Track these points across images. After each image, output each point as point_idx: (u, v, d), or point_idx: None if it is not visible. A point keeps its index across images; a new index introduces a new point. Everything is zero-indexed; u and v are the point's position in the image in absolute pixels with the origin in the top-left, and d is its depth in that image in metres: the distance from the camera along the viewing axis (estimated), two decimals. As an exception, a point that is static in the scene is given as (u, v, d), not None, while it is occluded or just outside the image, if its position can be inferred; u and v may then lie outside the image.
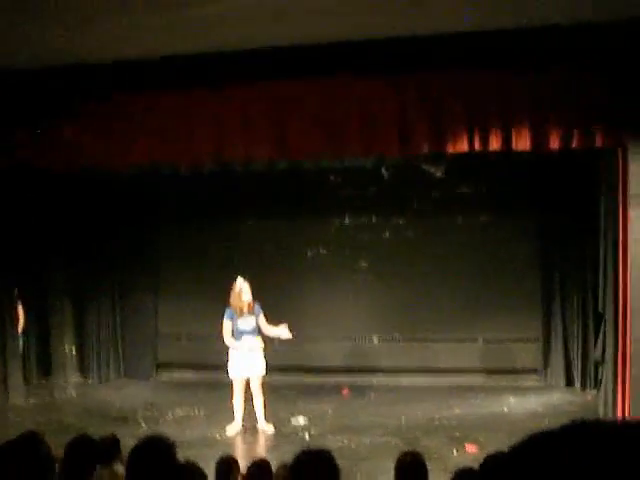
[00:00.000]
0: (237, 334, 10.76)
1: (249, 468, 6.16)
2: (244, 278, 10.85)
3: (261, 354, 10.82)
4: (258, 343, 10.81)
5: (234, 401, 10.85)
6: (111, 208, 14.12)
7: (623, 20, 8.68)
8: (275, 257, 13.90)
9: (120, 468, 6.28)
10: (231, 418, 10.88)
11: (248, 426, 10.94)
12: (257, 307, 10.85)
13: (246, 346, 10.71)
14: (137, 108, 10.67)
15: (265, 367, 10.86)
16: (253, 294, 10.87)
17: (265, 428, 10.88)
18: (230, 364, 10.83)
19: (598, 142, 9.41)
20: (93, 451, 5.56)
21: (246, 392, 10.82)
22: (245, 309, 10.73)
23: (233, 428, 10.87)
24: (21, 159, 11.07)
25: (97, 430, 8.92)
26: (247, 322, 10.75)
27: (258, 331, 10.84)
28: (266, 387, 11.01)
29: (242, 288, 10.77)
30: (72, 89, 10.70)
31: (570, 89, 9.32)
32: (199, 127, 10.46)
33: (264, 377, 10.92)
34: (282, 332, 10.87)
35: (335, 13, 8.40)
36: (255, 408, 10.90)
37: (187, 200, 14.07)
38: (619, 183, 9.54)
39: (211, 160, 11.12)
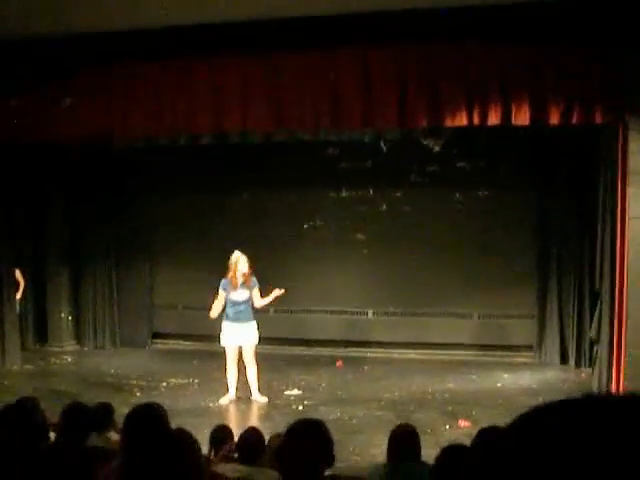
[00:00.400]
0: (229, 304, 10.79)
1: (241, 436, 6.18)
2: (242, 252, 10.86)
3: (254, 324, 10.86)
4: (251, 313, 10.86)
5: (227, 371, 10.88)
6: (110, 179, 14.14)
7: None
8: (272, 229, 13.89)
9: (114, 435, 6.31)
10: (225, 388, 10.90)
11: (242, 397, 10.96)
12: (254, 280, 10.86)
13: (231, 316, 10.78)
14: (136, 79, 10.64)
15: (258, 337, 10.89)
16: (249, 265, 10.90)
17: (259, 399, 10.89)
18: (222, 333, 10.86)
19: (598, 119, 9.38)
20: (87, 418, 5.58)
21: (240, 363, 10.85)
22: (239, 280, 10.74)
23: (227, 398, 10.89)
24: (20, 130, 11.02)
25: (92, 397, 8.97)
26: (240, 294, 10.77)
27: (252, 303, 10.87)
28: (260, 358, 11.03)
29: (238, 261, 10.79)
30: (71, 60, 10.66)
31: (571, 64, 9.29)
32: (197, 99, 10.43)
33: (257, 347, 10.95)
34: (274, 294, 10.91)
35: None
36: (248, 379, 10.92)
37: (184, 172, 14.03)
38: (618, 160, 9.52)
39: (209, 132, 11.11)
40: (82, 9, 9.22)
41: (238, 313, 10.77)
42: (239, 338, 10.79)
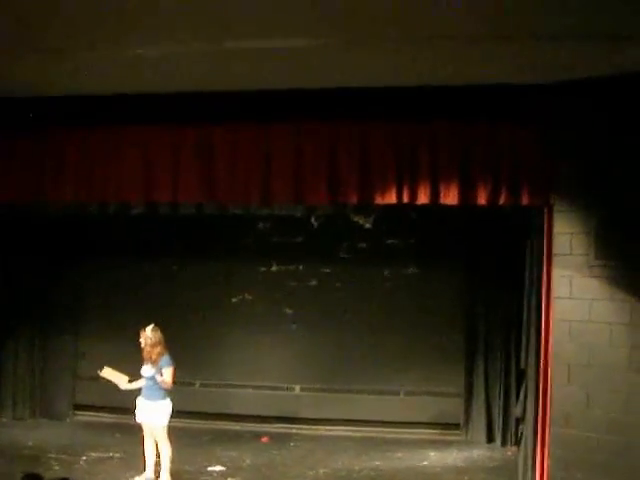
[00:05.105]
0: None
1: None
2: (155, 326, 10.49)
3: (161, 404, 10.35)
4: (157, 392, 10.35)
5: (144, 447, 10.60)
6: (35, 246, 13.85)
7: (553, 81, 8.82)
8: (200, 301, 13.78)
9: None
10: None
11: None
12: (164, 359, 10.34)
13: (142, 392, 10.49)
14: (68, 145, 10.53)
15: (166, 418, 10.36)
16: (175, 338, 10.66)
17: None
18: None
19: (525, 200, 9.48)
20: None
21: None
22: (145, 356, 10.46)
23: (142, 477, 10.53)
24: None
25: (7, 470, 8.72)
26: (147, 370, 10.41)
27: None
28: (183, 432, 10.82)
29: (141, 337, 10.53)
30: (2, 122, 10.58)
31: (499, 146, 9.43)
32: (128, 167, 10.30)
33: (169, 426, 10.43)
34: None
35: (267, 62, 8.38)
36: (160, 459, 10.47)
37: (112, 242, 13.91)
38: (544, 241, 9.62)
39: (139, 202, 10.97)
40: (15, 72, 9.14)
41: (144, 389, 10.43)
42: (146, 416, 10.44)
